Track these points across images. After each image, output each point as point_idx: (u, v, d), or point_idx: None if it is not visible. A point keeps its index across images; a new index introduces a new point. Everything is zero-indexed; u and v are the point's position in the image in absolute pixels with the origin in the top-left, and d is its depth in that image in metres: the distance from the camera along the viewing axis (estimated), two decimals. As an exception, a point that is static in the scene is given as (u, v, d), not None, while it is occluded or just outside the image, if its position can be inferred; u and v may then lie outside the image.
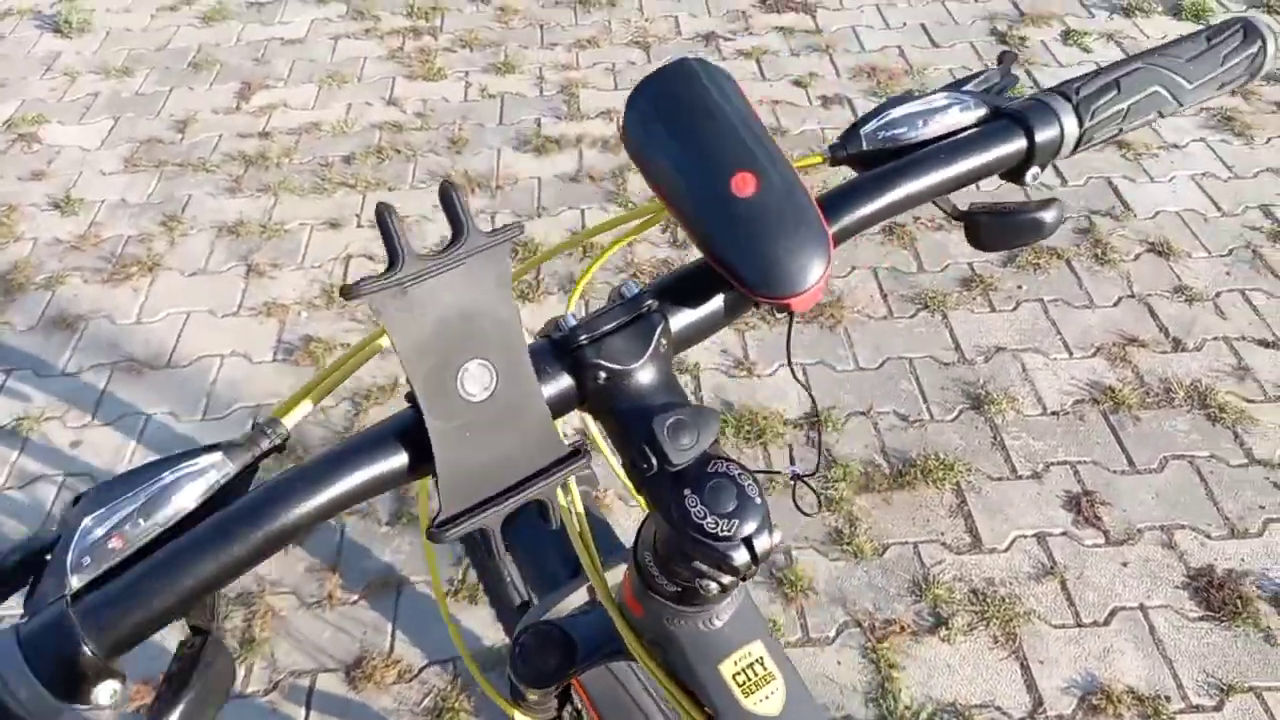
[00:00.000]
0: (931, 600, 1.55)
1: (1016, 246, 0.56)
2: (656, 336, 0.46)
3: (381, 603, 1.57)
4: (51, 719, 0.37)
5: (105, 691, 0.38)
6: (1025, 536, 1.64)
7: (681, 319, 0.48)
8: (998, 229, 0.55)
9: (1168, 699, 1.42)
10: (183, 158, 2.56)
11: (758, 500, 0.42)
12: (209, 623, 0.43)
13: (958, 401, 1.87)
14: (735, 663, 0.50)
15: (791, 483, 0.43)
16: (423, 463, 0.42)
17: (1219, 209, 2.28)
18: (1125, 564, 1.60)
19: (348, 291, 0.38)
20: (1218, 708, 1.41)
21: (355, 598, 1.57)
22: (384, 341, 0.51)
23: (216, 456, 0.43)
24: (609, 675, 0.71)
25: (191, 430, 1.85)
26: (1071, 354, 1.95)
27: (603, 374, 0.45)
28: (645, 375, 0.45)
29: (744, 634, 0.51)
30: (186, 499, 0.42)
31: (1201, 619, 1.52)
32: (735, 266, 0.45)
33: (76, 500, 0.41)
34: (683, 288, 0.49)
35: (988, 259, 2.17)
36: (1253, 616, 1.51)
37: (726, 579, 0.45)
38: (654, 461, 0.43)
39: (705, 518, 0.41)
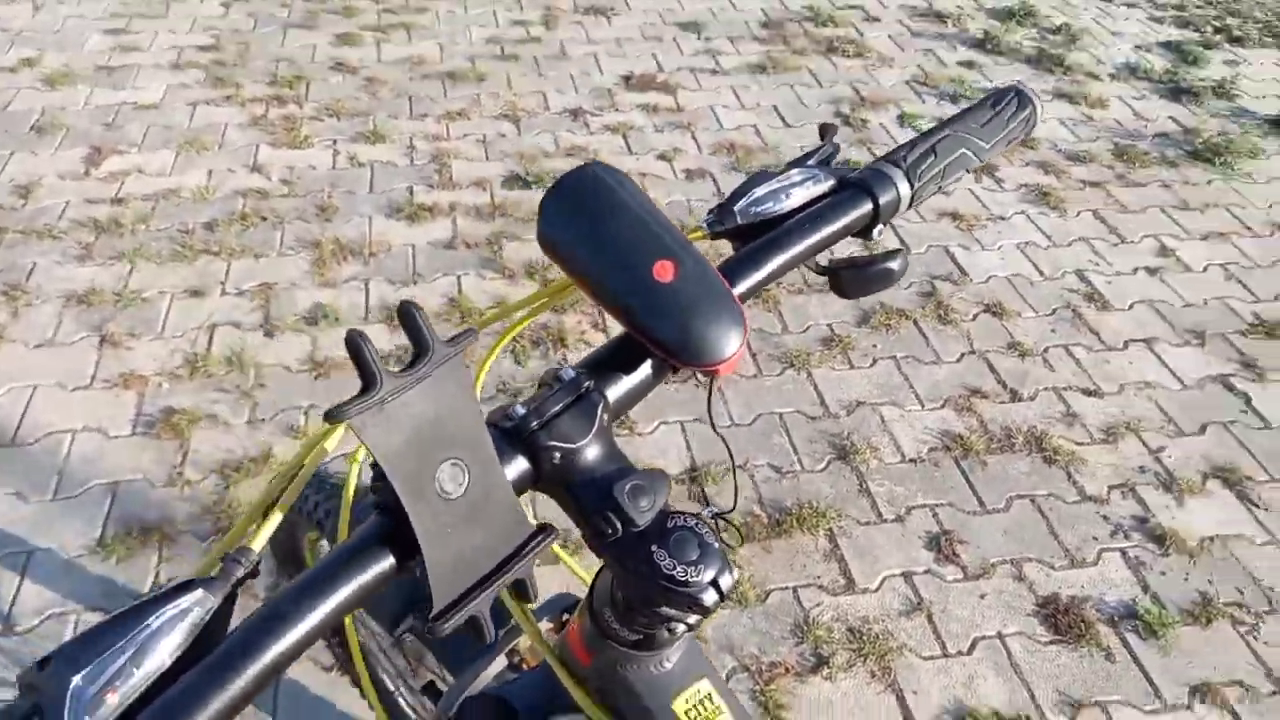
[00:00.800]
0: (813, 641, 1.62)
1: (875, 292, 0.65)
2: (599, 413, 0.50)
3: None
4: None
5: None
6: (894, 575, 1.74)
7: (616, 390, 0.53)
8: (857, 279, 0.63)
9: (1028, 717, 1.53)
10: (25, 224, 2.43)
11: (716, 545, 0.47)
12: None
13: (825, 452, 1.98)
14: (686, 700, 0.53)
15: (712, 521, 0.47)
16: (406, 561, 0.44)
17: (1041, 274, 2.53)
18: (983, 596, 1.72)
19: (331, 416, 0.40)
20: (1071, 724, 1.53)
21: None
22: (329, 444, 0.52)
23: (197, 593, 0.42)
24: None
25: (40, 511, 1.73)
26: (924, 406, 2.11)
27: (557, 454, 0.48)
28: (593, 450, 0.49)
29: (692, 673, 0.55)
30: (174, 640, 0.41)
31: (1051, 643, 1.65)
32: (668, 342, 0.50)
33: (43, 663, 0.40)
34: (613, 362, 0.54)
35: (845, 320, 2.32)
36: (1094, 638, 1.66)
37: (694, 619, 0.49)
38: (618, 525, 0.47)
39: (675, 568, 0.45)
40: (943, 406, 2.11)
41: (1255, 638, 1.68)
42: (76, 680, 0.39)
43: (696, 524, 0.47)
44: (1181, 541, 1.84)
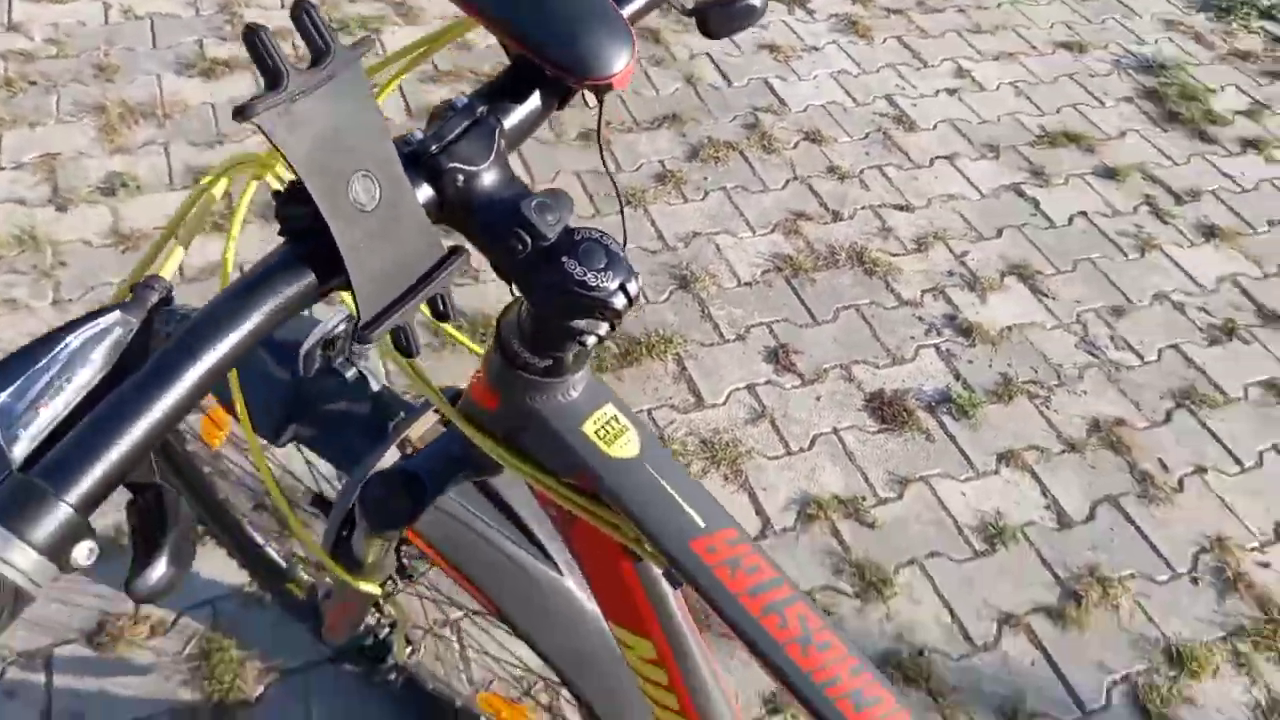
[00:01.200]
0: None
1: (739, 30, 0.68)
2: (496, 137, 0.50)
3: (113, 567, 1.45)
4: (47, 582, 0.36)
5: (83, 551, 0.37)
6: (738, 389, 1.86)
7: (511, 118, 0.53)
8: (723, 17, 0.66)
9: (864, 498, 1.70)
10: None
11: (621, 254, 0.49)
12: (151, 476, 0.42)
13: (668, 283, 2.04)
14: (594, 421, 0.57)
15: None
16: (331, 278, 0.44)
17: (854, 100, 2.64)
18: (818, 398, 1.87)
19: (240, 112, 0.38)
20: (900, 497, 1.72)
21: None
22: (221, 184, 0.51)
23: (115, 315, 0.42)
24: (444, 517, 0.76)
25: None
26: (755, 232, 2.20)
27: (460, 177, 0.49)
28: (494, 173, 0.50)
29: (596, 399, 0.58)
30: (98, 358, 0.41)
31: (879, 431, 1.82)
32: (560, 58, 0.51)
33: None
34: (506, 91, 0.54)
35: (675, 156, 2.36)
36: (915, 423, 1.84)
37: (604, 328, 0.51)
38: (528, 241, 0.48)
39: (585, 275, 0.47)
40: (772, 231, 2.20)
41: (1047, 408, 1.91)
42: (4, 397, 0.38)
43: (601, 236, 0.50)
44: (985, 333, 2.04)
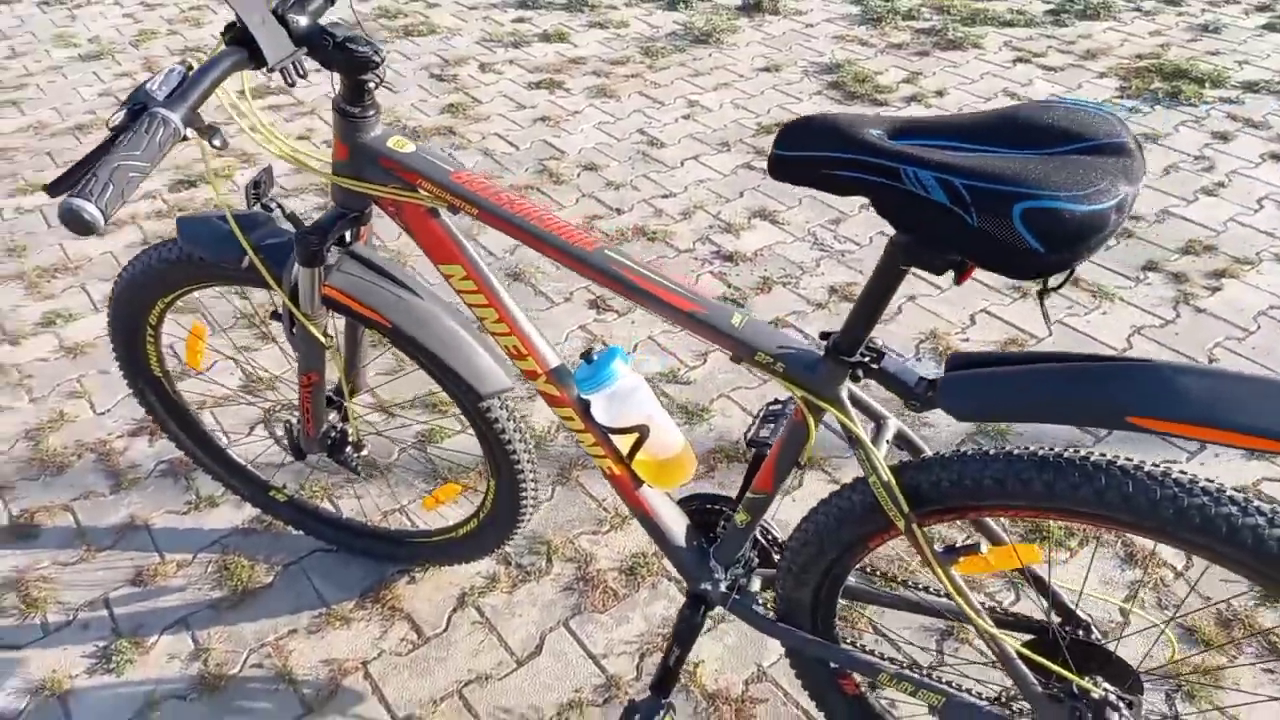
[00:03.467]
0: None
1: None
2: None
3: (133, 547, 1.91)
4: (186, 129, 0.96)
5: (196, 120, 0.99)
6: (574, 330, 2.48)
7: None
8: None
9: (678, 369, 2.33)
10: None
11: (374, 43, 1.13)
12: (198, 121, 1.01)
13: (503, 280, 2.67)
14: (393, 141, 1.19)
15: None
16: (251, 52, 1.06)
17: (614, 137, 3.41)
18: (633, 322, 2.50)
19: None
20: (704, 362, 2.35)
21: None
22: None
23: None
24: (350, 278, 1.33)
25: None
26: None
27: (296, 18, 1.12)
28: (307, 18, 1.13)
29: (389, 131, 1.21)
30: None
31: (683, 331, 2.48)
32: None
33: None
34: None
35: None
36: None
37: (374, 80, 1.15)
38: (330, 39, 1.11)
39: (360, 48, 1.11)
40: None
41: (797, 289, 2.61)
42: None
43: (366, 38, 1.12)
44: (744, 255, 2.75)
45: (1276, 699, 1.57)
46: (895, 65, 3.89)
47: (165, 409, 1.76)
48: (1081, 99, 0.88)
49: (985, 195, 0.81)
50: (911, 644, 1.66)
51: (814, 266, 2.70)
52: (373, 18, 4.53)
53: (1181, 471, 0.94)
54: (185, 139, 1.01)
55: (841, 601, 1.31)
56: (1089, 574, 1.78)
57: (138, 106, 1.00)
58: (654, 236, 2.85)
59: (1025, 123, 0.87)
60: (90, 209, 0.90)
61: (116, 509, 1.97)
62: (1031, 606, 1.34)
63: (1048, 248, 0.81)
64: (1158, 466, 0.95)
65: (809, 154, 0.93)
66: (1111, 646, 1.15)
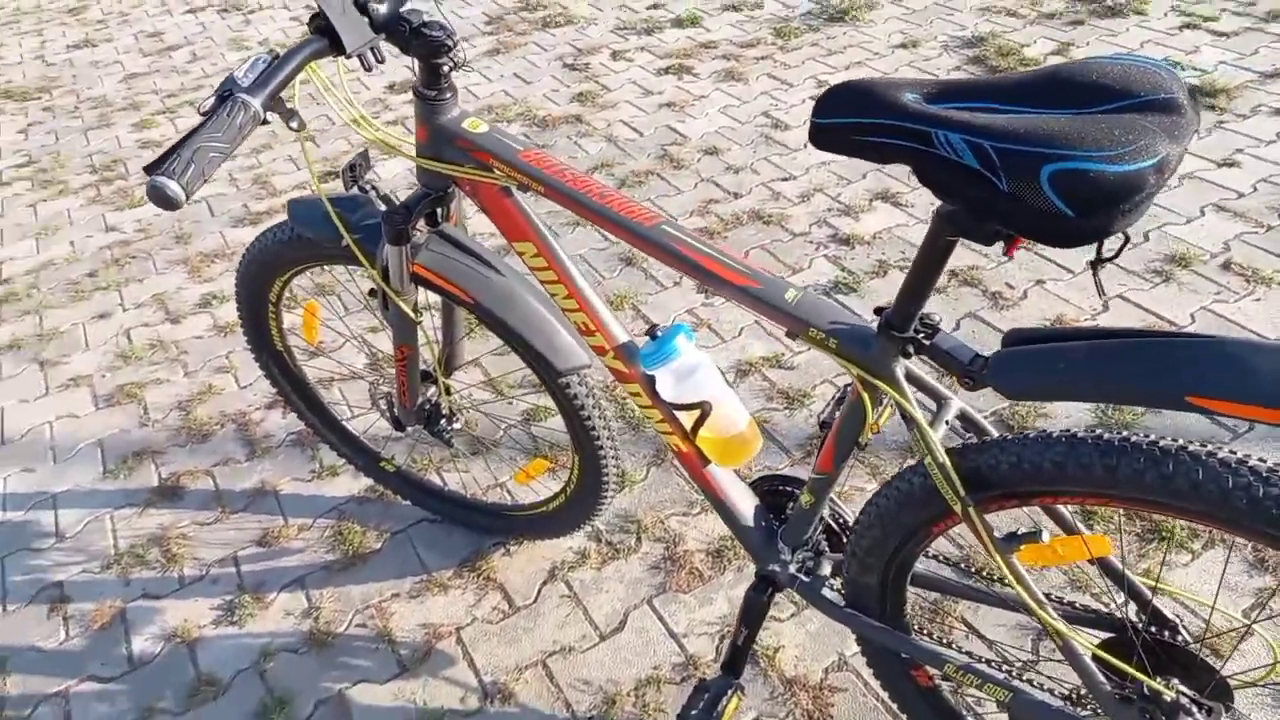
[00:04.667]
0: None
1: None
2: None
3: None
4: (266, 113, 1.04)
5: (280, 106, 1.06)
6: (680, 314, 2.49)
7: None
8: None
9: (782, 354, 2.30)
10: (-72, 322, 2.86)
11: (445, 20, 1.18)
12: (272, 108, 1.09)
13: (616, 265, 2.71)
14: (469, 122, 1.23)
15: None
16: (332, 42, 1.12)
17: (739, 122, 3.38)
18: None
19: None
20: (808, 349, 2.30)
21: (243, 506, 2.06)
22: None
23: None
24: (436, 256, 1.40)
25: (47, 473, 2.23)
26: (676, 219, 2.87)
27: (376, 7, 1.17)
28: (388, 7, 1.19)
29: (466, 113, 1.25)
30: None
31: (789, 312, 2.44)
32: None
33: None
34: None
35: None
36: (815, 301, 2.45)
37: (449, 63, 1.20)
38: (407, 24, 1.17)
39: (435, 32, 1.15)
40: (690, 215, 2.89)
41: (914, 271, 2.51)
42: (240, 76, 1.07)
43: (444, 21, 1.17)
44: (861, 239, 2.68)
45: None
46: (1045, 36, 3.67)
47: (288, 382, 1.89)
48: (1139, 54, 0.80)
49: (1013, 157, 0.77)
50: (1000, 643, 1.58)
51: (936, 249, 2.59)
52: (514, 10, 4.67)
53: (1261, 460, 0.86)
54: (266, 122, 1.09)
55: (913, 590, 1.27)
56: (1157, 571, 1.63)
57: (225, 93, 1.08)
58: (769, 220, 2.81)
59: (1068, 80, 0.81)
60: (173, 186, 0.99)
61: (250, 475, 2.14)
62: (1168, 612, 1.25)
63: (1079, 212, 0.75)
64: (1234, 453, 0.87)
65: (845, 120, 0.90)
66: (1223, 656, 1.06)
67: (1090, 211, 0.75)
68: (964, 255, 2.54)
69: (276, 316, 1.75)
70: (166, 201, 0.99)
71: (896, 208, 2.80)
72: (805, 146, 3.17)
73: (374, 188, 1.37)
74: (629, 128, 3.45)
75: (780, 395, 2.18)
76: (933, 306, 2.33)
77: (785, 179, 3.01)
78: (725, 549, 1.82)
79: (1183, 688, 1.02)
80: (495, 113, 3.66)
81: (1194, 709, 1.00)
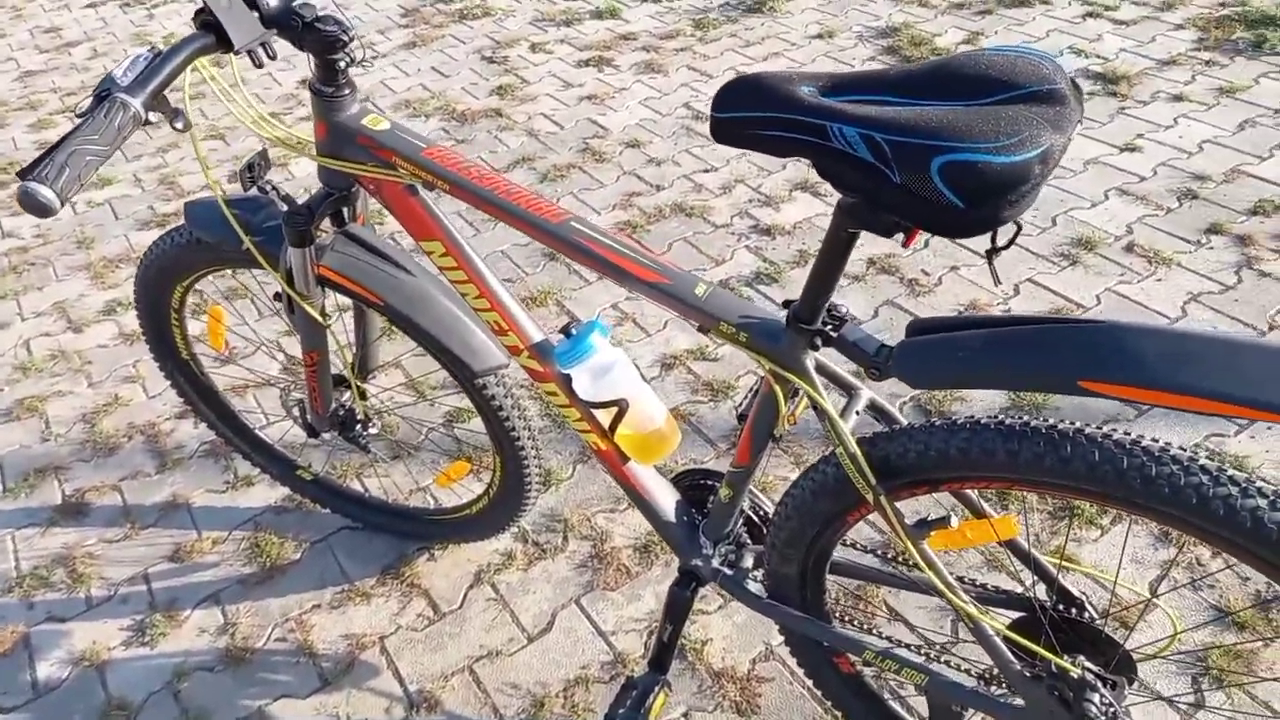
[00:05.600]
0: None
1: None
2: None
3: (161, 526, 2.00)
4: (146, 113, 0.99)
5: (154, 115, 1.01)
6: (606, 308, 2.47)
7: None
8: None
9: (705, 346, 2.31)
10: None
11: (339, 14, 1.14)
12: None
13: (540, 260, 2.68)
14: (369, 119, 1.20)
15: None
16: (219, 37, 1.08)
17: (658, 113, 3.37)
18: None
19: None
20: (731, 335, 2.31)
21: (154, 520, 1.99)
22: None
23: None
24: (341, 257, 1.36)
25: (-57, 493, 2.12)
26: (600, 213, 2.86)
27: (266, 4, 1.13)
28: (280, 4, 1.15)
29: (366, 110, 1.22)
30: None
31: (711, 304, 2.44)
32: None
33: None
34: None
35: (529, 183, 3.04)
36: (738, 294, 2.46)
37: (345, 59, 1.16)
38: (299, 19, 1.12)
39: (330, 27, 1.12)
40: (613, 209, 2.87)
41: (833, 260, 2.54)
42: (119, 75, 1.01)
43: (331, 10, 1.13)
44: (782, 229, 2.70)
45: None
46: (955, 26, 3.74)
47: (196, 391, 1.83)
48: (1026, 45, 0.81)
49: (904, 149, 0.77)
50: (921, 627, 1.61)
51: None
52: (430, 2, 4.58)
53: (1153, 440, 0.88)
54: (149, 122, 1.04)
55: (833, 578, 1.28)
56: (1075, 550, 1.69)
57: (103, 93, 1.03)
58: (691, 212, 2.81)
59: (958, 72, 0.82)
60: (45, 192, 0.93)
61: (161, 488, 2.06)
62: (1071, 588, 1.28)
63: (968, 203, 0.76)
64: (1128, 434, 0.89)
65: (742, 114, 0.90)
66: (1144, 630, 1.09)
67: (979, 202, 0.76)
68: (881, 244, 2.58)
69: (180, 324, 1.69)
70: (40, 208, 0.94)
71: (816, 197, 2.83)
72: (725, 138, 3.18)
73: (275, 188, 1.33)
74: (550, 121, 3.42)
75: (705, 388, 2.18)
76: (851, 295, 2.37)
77: (707, 171, 3.02)
78: (652, 545, 1.82)
79: (1088, 664, 1.05)
80: (413, 107, 3.60)
81: (1099, 684, 1.03)
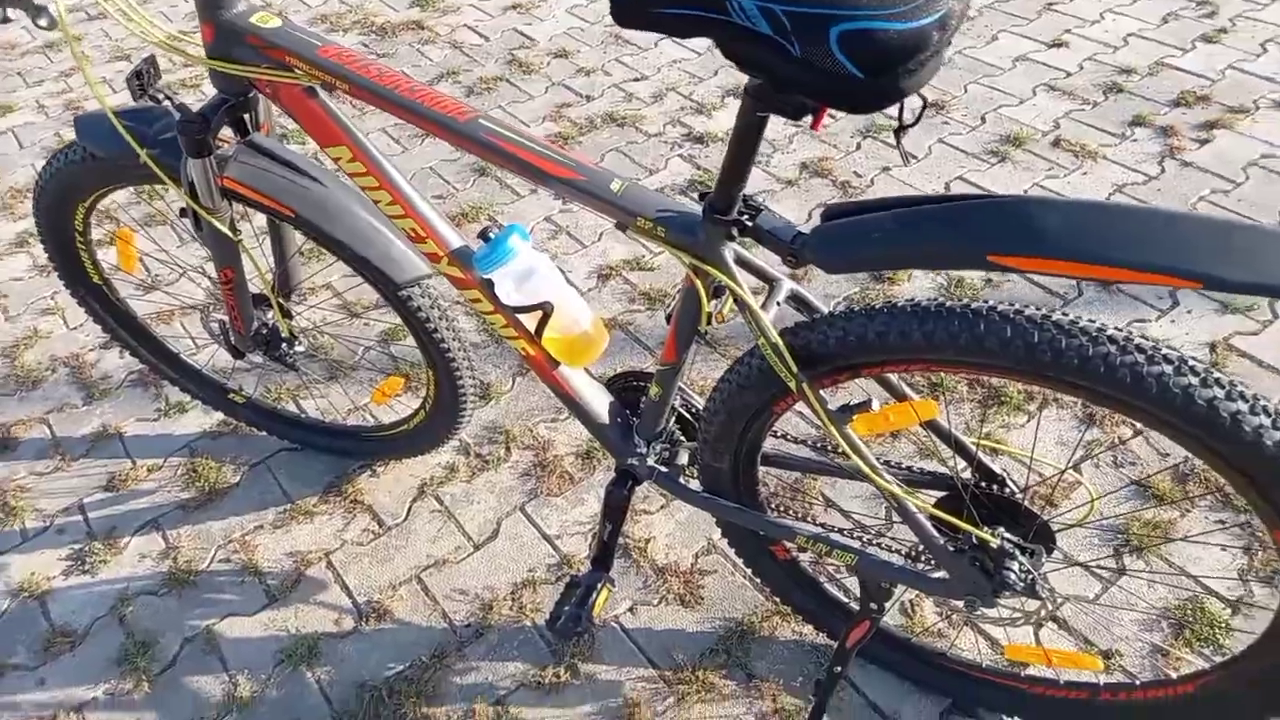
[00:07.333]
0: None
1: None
2: None
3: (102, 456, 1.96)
4: None
5: None
6: (539, 221, 2.44)
7: None
8: None
9: (643, 256, 2.30)
10: None
11: None
12: None
13: (469, 175, 2.63)
14: (258, 17, 1.14)
15: None
16: None
17: (588, 22, 3.28)
18: (598, 208, 2.46)
19: None
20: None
21: None
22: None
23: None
24: (247, 169, 1.31)
25: None
26: (530, 125, 2.80)
27: None
28: None
29: (254, 7, 1.17)
30: None
31: (646, 213, 2.42)
32: None
33: None
34: None
35: (454, 95, 2.96)
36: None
37: None
38: None
39: None
40: (543, 121, 2.82)
41: (767, 167, 2.53)
42: None
43: None
44: (715, 136, 2.67)
45: (1224, 547, 1.55)
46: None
47: (114, 318, 1.78)
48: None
49: (802, 20, 0.76)
50: (856, 513, 1.67)
51: (786, 143, 2.61)
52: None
53: (1063, 314, 0.91)
54: (8, 20, 0.99)
55: (766, 469, 1.31)
56: (991, 429, 1.75)
57: None
58: (623, 122, 2.77)
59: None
60: None
61: (89, 419, 2.02)
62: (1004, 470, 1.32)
63: (868, 72, 0.76)
64: (1038, 310, 0.91)
65: (641, -8, 0.88)
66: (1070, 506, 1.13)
67: (878, 71, 0.76)
68: (814, 147, 2.57)
69: (87, 247, 1.63)
70: None
71: (748, 103, 2.79)
72: (656, 44, 3.12)
73: (168, 97, 1.27)
74: (474, 33, 3.31)
75: (642, 297, 2.19)
76: (785, 200, 2.37)
77: (637, 79, 2.97)
78: (594, 451, 1.83)
79: (1007, 535, 1.10)
80: (330, 21, 3.45)
81: (1017, 553, 1.08)
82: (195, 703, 1.50)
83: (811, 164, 2.51)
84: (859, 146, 2.57)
